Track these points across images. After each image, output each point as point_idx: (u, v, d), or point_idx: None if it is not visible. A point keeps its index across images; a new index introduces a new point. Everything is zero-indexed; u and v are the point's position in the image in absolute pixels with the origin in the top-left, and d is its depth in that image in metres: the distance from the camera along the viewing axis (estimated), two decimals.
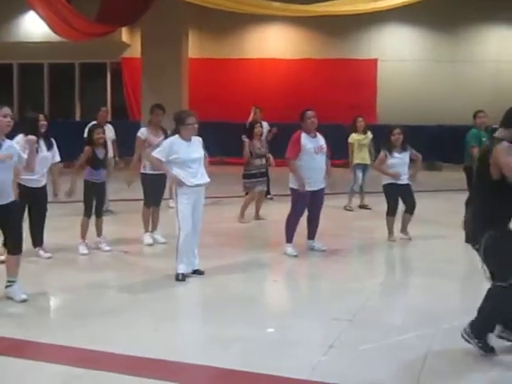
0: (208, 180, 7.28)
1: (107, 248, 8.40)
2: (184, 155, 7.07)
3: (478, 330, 4.97)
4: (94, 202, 8.33)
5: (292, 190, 8.25)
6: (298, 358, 4.89)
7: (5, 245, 6.46)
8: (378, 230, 9.39)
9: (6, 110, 6.14)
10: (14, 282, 6.25)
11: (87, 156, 8.20)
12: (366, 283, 7.15)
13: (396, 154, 8.97)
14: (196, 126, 7.25)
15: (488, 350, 4.94)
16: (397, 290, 7.17)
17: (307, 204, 8.23)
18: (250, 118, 12.50)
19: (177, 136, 7.19)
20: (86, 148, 8.24)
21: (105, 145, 8.47)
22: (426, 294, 6.73)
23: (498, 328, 5.13)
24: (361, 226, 10.54)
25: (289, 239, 8.27)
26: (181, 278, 7.03)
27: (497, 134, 4.94)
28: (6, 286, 6.25)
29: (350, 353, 5.02)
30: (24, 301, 6.14)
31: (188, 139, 7.16)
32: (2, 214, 6.08)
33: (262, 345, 5.21)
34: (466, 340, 5.00)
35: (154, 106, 9.17)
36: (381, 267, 8.45)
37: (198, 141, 7.31)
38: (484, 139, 9.62)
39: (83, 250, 8.24)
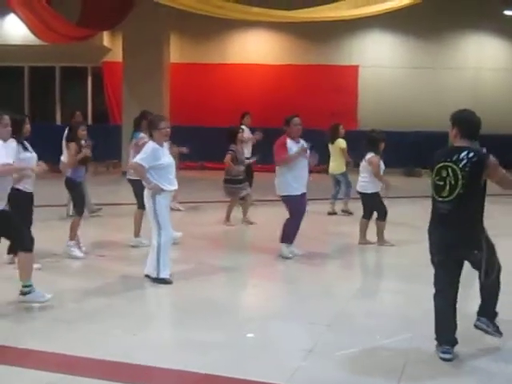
0: (177, 187, 7.40)
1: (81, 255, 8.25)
2: (165, 161, 7.10)
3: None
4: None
5: (284, 197, 8.29)
6: (277, 363, 4.90)
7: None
8: (357, 235, 9.41)
9: (6, 119, 6.12)
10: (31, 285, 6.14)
11: (76, 151, 8.19)
12: (344, 288, 7.17)
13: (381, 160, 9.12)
14: (168, 130, 7.23)
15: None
16: (375, 295, 7.22)
17: (303, 204, 8.29)
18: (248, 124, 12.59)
19: (152, 142, 7.14)
20: (73, 144, 8.25)
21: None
22: (404, 298, 6.76)
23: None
24: (339, 231, 10.58)
25: (290, 240, 8.34)
26: (169, 280, 7.04)
27: (457, 144, 5.04)
28: (25, 293, 6.12)
29: (329, 358, 5.03)
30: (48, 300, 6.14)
31: (161, 144, 7.16)
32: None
33: (240, 350, 5.21)
34: (485, 330, 5.20)
35: (145, 112, 9.11)
36: (359, 272, 8.49)
37: (166, 146, 7.35)
38: None
39: (78, 253, 8.14)
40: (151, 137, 7.18)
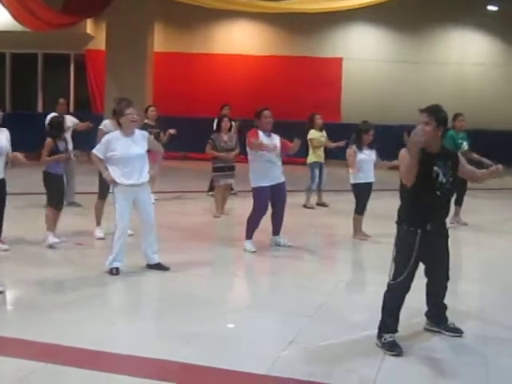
0: (145, 180, 7.00)
1: (57, 240, 8.22)
2: (121, 153, 6.83)
3: (379, 328, 5.13)
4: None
5: (253, 188, 8.29)
6: (257, 353, 4.90)
7: None
8: (339, 227, 9.46)
9: None
10: None
11: (50, 148, 8.12)
12: (327, 280, 7.18)
13: (365, 151, 9.06)
14: (135, 116, 6.95)
15: (395, 350, 4.95)
16: (358, 287, 7.24)
17: (268, 200, 8.26)
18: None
19: (118, 131, 6.98)
20: (48, 140, 8.15)
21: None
22: None
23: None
24: (321, 223, 10.60)
25: (249, 236, 8.31)
26: (115, 272, 6.92)
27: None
28: None
29: (309, 349, 5.04)
30: (0, 293, 6.08)
31: (129, 134, 6.90)
32: None
33: (222, 340, 5.20)
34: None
35: (120, 99, 9.06)
36: (342, 264, 8.50)
37: (141, 136, 7.04)
38: (459, 141, 9.95)
39: (53, 239, 8.08)
40: (119, 125, 6.98)
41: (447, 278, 5.31)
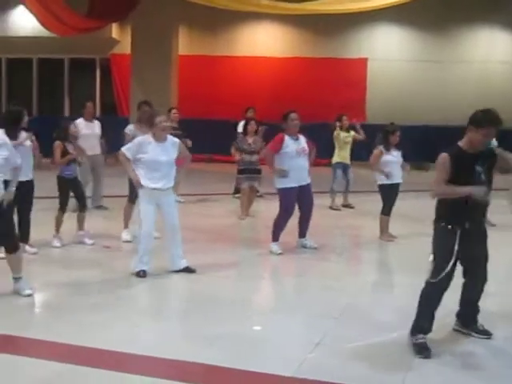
0: (170, 185, 7.08)
1: (90, 242, 8.42)
2: (151, 157, 6.90)
3: (412, 327, 5.10)
4: (73, 196, 8.42)
5: (278, 189, 8.25)
6: (284, 356, 4.89)
7: None
8: (365, 228, 9.39)
9: None
10: (19, 278, 6.24)
11: (61, 151, 8.23)
12: (353, 281, 7.16)
13: (392, 152, 9.02)
14: (165, 124, 7.04)
15: (423, 353, 4.90)
16: (384, 289, 7.18)
17: (295, 201, 8.22)
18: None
19: (150, 135, 7.04)
20: (57, 143, 8.26)
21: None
22: (414, 292, 6.62)
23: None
24: (347, 224, 10.53)
25: (275, 238, 8.28)
26: (142, 274, 6.95)
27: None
28: (14, 282, 6.25)
29: (336, 350, 5.02)
30: (29, 295, 6.16)
31: (160, 140, 6.99)
32: None
33: (248, 342, 5.20)
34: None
35: (141, 103, 9.15)
36: (368, 265, 8.46)
37: (172, 143, 7.12)
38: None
39: (56, 243, 8.28)
40: (154, 134, 7.05)
41: (485, 280, 5.24)
